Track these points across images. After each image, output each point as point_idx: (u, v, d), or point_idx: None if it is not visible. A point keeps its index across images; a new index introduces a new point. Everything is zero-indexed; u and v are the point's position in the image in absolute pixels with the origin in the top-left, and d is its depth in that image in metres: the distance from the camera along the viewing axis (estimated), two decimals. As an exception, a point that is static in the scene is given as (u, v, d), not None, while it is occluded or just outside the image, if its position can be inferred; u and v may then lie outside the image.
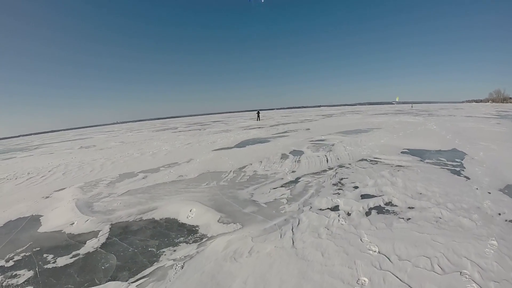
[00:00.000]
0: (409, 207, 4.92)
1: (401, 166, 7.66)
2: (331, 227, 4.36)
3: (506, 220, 4.24)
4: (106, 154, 14.86)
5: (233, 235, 4.18)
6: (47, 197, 7.29)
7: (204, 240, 4.17)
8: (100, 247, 4.21)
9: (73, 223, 5.23)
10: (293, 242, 3.93)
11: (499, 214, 4.45)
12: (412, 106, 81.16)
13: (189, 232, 4.47)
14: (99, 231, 4.76)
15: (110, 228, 4.86)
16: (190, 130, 30.38)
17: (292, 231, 4.26)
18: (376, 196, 5.54)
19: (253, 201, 5.71)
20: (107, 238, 4.47)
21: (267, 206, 5.43)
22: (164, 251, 3.90)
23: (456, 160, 8.08)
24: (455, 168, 7.17)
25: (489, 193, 5.36)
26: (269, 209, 5.22)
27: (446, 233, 3.92)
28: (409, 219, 4.46)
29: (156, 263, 3.63)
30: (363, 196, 5.62)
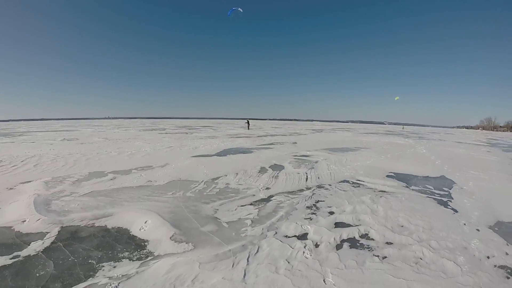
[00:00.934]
0: (387, 243, 4.29)
1: (384, 191, 7.07)
2: (293, 260, 3.73)
3: (495, 266, 3.68)
4: (84, 150, 14.37)
5: (180, 258, 3.67)
6: (10, 189, 6.89)
7: (149, 258, 3.70)
8: (42, 251, 3.85)
9: (24, 221, 4.85)
10: (244, 275, 3.35)
11: (488, 257, 3.89)
12: (403, 128, 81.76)
13: (137, 247, 4.01)
14: (47, 233, 4.40)
15: (59, 231, 4.47)
16: (176, 133, 29.89)
17: (247, 261, 3.68)
18: (351, 226, 4.91)
19: (215, 219, 5.12)
20: (52, 242, 4.09)
21: (228, 226, 4.83)
22: (103, 266, 3.48)
23: (444, 189, 7.53)
24: (443, 198, 6.61)
25: (478, 230, 4.79)
26: (230, 230, 4.63)
27: (425, 279, 3.32)
28: (385, 257, 3.83)
29: (91, 278, 3.23)
30: (338, 225, 4.99)
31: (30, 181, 7.60)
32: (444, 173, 9.68)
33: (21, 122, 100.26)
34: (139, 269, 3.41)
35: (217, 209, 5.64)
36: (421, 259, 3.78)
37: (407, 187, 7.59)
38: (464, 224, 5.04)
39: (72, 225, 4.72)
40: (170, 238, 4.26)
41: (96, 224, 4.78)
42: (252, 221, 5.04)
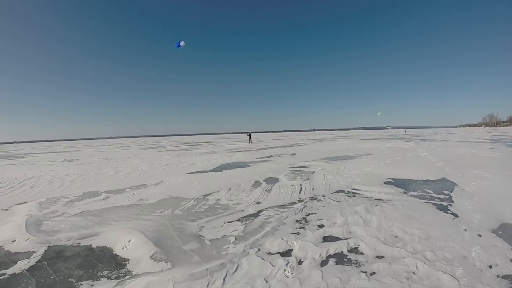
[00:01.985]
0: (377, 256, 3.92)
1: (380, 199, 6.70)
2: (271, 280, 3.42)
3: (498, 276, 3.30)
4: (82, 170, 14.46)
5: (156, 277, 3.56)
6: (6, 210, 7.09)
7: (126, 277, 3.62)
8: (27, 270, 3.92)
9: (14, 240, 4.97)
10: None
11: (490, 266, 3.51)
12: (405, 131, 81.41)
13: (117, 266, 3.96)
14: (34, 252, 4.47)
15: (45, 250, 4.53)
16: (177, 150, 29.87)
17: (224, 280, 3.47)
18: (341, 239, 4.55)
19: (199, 237, 4.91)
20: (38, 261, 4.16)
21: (211, 244, 4.60)
22: (82, 284, 3.48)
23: (444, 192, 7.13)
24: (442, 203, 6.22)
25: (480, 236, 4.40)
26: (211, 248, 4.41)
27: (418, 298, 2.90)
28: (373, 274, 3.46)
29: None
30: (326, 239, 4.63)
31: (25, 202, 7.74)
32: (445, 175, 9.29)
33: (25, 144, 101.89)
34: None
35: (203, 227, 5.43)
36: (413, 273, 3.41)
37: (405, 193, 7.22)
38: (465, 230, 4.65)
39: (59, 245, 4.76)
40: (150, 257, 4.16)
41: (82, 244, 4.77)
42: (236, 238, 4.79)
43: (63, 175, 12.80)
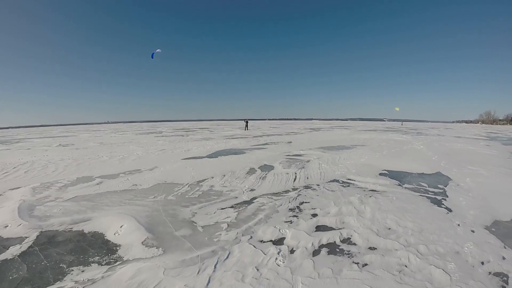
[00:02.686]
0: (370, 248, 3.89)
1: (375, 191, 6.67)
2: (262, 268, 3.41)
3: (490, 273, 3.28)
4: (77, 155, 14.30)
5: (146, 263, 3.55)
6: None
7: (117, 263, 3.61)
8: (18, 255, 3.89)
9: (7, 226, 4.90)
10: (208, 283, 3.15)
11: (482, 263, 3.48)
12: (402, 124, 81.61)
13: (108, 252, 3.95)
14: (26, 237, 4.43)
15: (37, 235, 4.49)
16: (172, 136, 29.53)
17: (215, 267, 3.46)
18: (334, 229, 4.52)
19: (191, 223, 4.88)
20: (29, 247, 4.12)
21: (203, 230, 4.58)
22: (73, 270, 3.48)
23: (439, 186, 7.11)
24: (437, 197, 6.20)
25: (473, 231, 4.37)
26: (203, 235, 4.40)
27: (409, 291, 2.86)
28: (366, 265, 3.43)
29: (58, 282, 3.25)
30: (319, 228, 4.60)
31: (19, 188, 7.61)
32: (440, 169, 9.27)
33: (20, 129, 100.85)
34: (106, 273, 3.37)
35: (196, 213, 5.39)
36: (406, 266, 3.37)
37: (399, 185, 7.19)
38: (458, 225, 4.63)
39: (51, 230, 4.72)
40: (142, 242, 4.14)
41: (74, 229, 4.73)
42: (228, 225, 4.76)
43: (58, 160, 12.63)
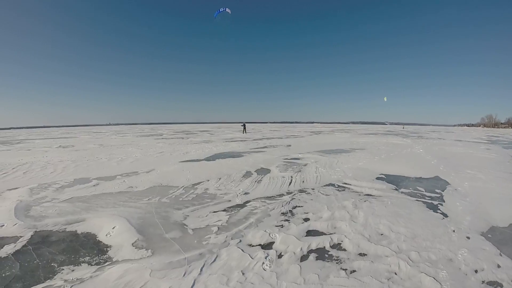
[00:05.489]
0: (360, 254, 3.78)
1: (370, 195, 6.56)
2: (248, 272, 3.36)
3: (483, 282, 3.17)
4: (76, 156, 14.42)
5: (134, 264, 3.57)
6: None
7: (106, 264, 3.65)
8: (12, 254, 3.97)
9: (3, 225, 4.98)
10: (192, 285, 3.14)
11: (476, 271, 3.37)
12: (403, 127, 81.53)
13: (99, 252, 3.99)
14: (21, 237, 4.51)
15: (32, 235, 4.57)
16: (173, 138, 29.60)
17: (201, 270, 3.45)
18: (324, 234, 4.42)
19: (182, 225, 4.88)
20: (23, 246, 4.21)
21: (194, 233, 4.56)
22: (63, 269, 3.53)
23: (436, 191, 7.00)
24: (433, 202, 6.09)
25: (468, 238, 4.26)
26: (193, 238, 4.39)
27: (397, 299, 2.76)
28: (354, 272, 3.33)
29: (49, 280, 3.31)
30: (309, 233, 4.51)
31: (17, 188, 7.70)
32: (438, 174, 9.15)
33: (22, 129, 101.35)
34: (94, 273, 3.39)
35: (188, 215, 5.37)
36: (395, 274, 3.27)
37: (395, 189, 7.08)
38: (453, 231, 4.52)
39: (45, 230, 4.78)
40: (132, 244, 4.16)
41: (68, 229, 4.78)
42: (218, 228, 4.72)
43: (57, 161, 12.72)
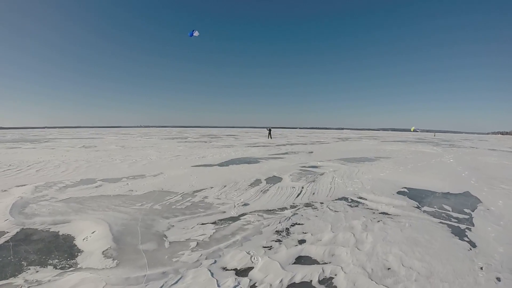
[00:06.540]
0: (354, 295, 2.96)
1: (386, 213, 5.74)
2: None
3: None
4: (92, 157, 14.67)
5: (93, 274, 3.32)
6: (4, 191, 7.27)
7: (70, 269, 3.46)
8: None
9: None
10: None
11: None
12: (434, 135, 78.41)
13: (69, 256, 3.83)
14: (7, 232, 4.56)
15: (17, 232, 4.60)
16: (196, 142, 29.67)
17: None
18: (317, 263, 3.68)
19: (162, 237, 4.48)
20: (6, 241, 4.23)
21: (169, 247, 4.12)
22: (30, 269, 3.46)
23: (465, 210, 6.05)
24: (460, 225, 5.16)
25: (498, 279, 3.32)
26: (166, 252, 3.95)
27: None
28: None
29: (12, 277, 3.26)
30: (299, 260, 3.79)
31: (24, 185, 7.88)
32: (469, 189, 8.10)
33: (55, 129, 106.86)
34: (54, 278, 3.26)
35: (173, 225, 4.95)
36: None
37: (417, 207, 6.18)
38: (481, 268, 3.60)
39: (31, 228, 4.79)
40: (102, 252, 3.93)
41: (51, 229, 4.75)
42: (197, 244, 4.20)
43: (72, 160, 12.98)
